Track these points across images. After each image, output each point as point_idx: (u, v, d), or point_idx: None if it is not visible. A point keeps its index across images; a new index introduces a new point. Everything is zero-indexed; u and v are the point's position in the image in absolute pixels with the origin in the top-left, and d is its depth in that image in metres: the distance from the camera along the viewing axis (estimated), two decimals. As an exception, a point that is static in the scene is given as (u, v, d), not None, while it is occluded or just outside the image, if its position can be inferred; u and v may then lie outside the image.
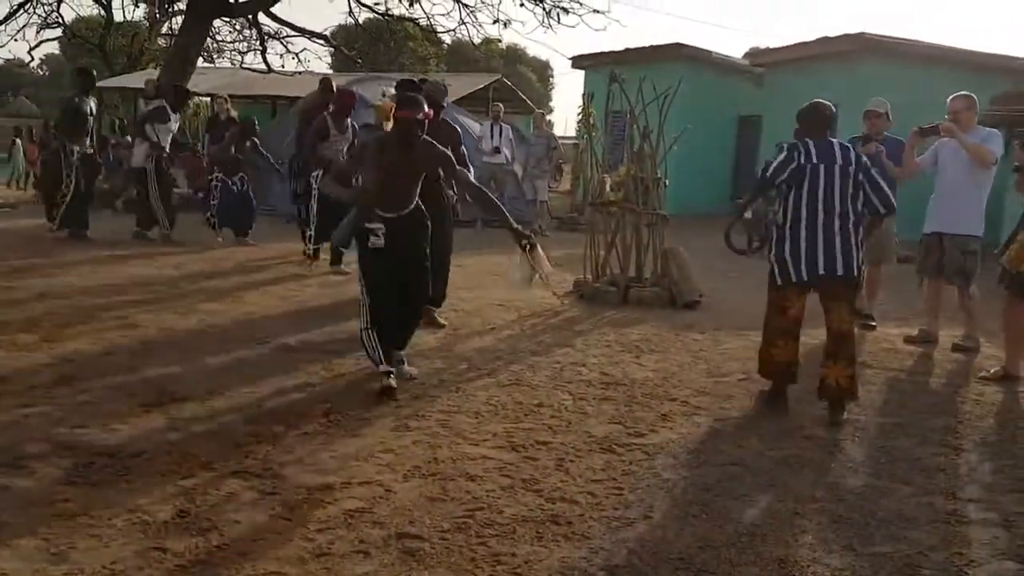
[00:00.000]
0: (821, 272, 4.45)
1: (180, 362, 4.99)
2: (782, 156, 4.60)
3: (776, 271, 4.60)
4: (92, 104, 9.79)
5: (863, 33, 13.96)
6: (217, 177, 9.87)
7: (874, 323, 6.97)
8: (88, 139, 9.77)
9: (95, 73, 10.49)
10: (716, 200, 17.25)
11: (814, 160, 4.48)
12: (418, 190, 4.75)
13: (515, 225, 4.71)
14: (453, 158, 4.81)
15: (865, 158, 4.70)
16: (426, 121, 4.61)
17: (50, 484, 3.27)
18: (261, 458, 3.63)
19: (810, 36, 20.68)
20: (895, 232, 7.31)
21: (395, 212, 4.64)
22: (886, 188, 4.63)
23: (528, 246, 4.63)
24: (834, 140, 4.65)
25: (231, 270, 8.34)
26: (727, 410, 4.64)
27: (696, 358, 5.72)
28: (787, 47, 16.84)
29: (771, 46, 23.96)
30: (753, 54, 22.14)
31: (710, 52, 17.66)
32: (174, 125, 10.05)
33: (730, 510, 3.35)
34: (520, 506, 3.30)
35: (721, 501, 3.43)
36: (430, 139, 4.68)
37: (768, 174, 4.63)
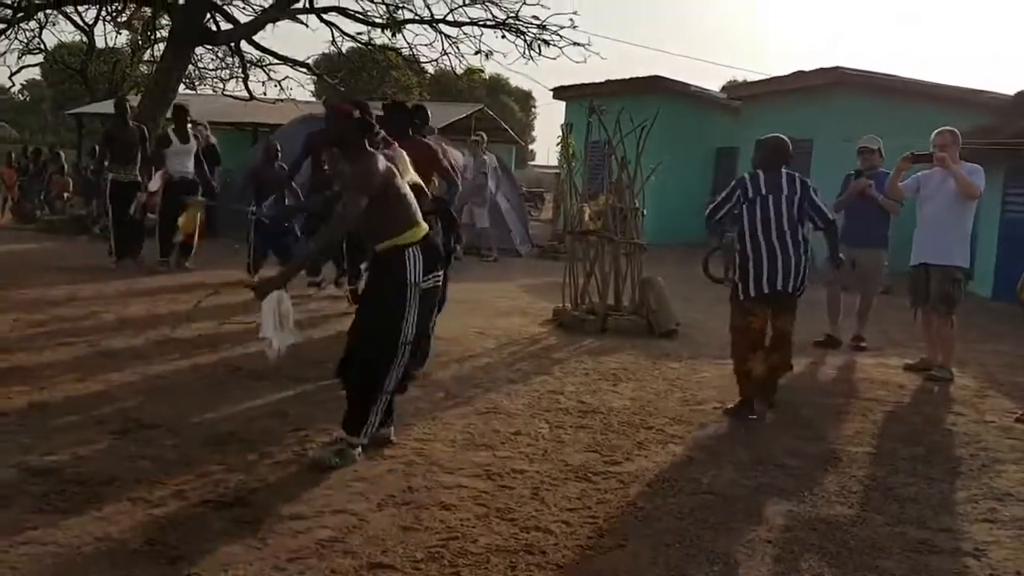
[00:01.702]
0: (778, 288, 5.04)
1: (151, 389, 4.95)
2: (723, 195, 5.27)
3: (740, 288, 5.13)
4: (133, 132, 9.79)
5: (838, 67, 14.20)
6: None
7: (865, 343, 7.15)
8: (129, 167, 9.74)
9: (128, 101, 10.37)
10: (694, 230, 17.31)
11: (763, 192, 5.13)
12: (375, 225, 3.99)
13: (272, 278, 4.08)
14: (352, 182, 3.91)
15: (811, 184, 5.29)
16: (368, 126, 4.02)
17: (19, 512, 3.22)
18: (232, 486, 3.60)
19: (786, 71, 21.02)
20: (886, 264, 7.45)
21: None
22: (825, 208, 5.31)
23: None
24: (784, 172, 5.23)
25: (195, 294, 8.27)
26: (702, 438, 4.66)
27: (672, 386, 5.75)
28: (764, 81, 17.11)
29: (748, 80, 24.32)
30: (730, 88, 22.50)
31: (688, 85, 17.91)
32: (181, 147, 9.68)
33: (704, 539, 3.35)
34: (494, 535, 3.29)
35: (695, 530, 3.43)
36: (369, 154, 3.98)
37: (707, 213, 5.35)
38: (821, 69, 14.54)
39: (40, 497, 3.35)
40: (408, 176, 4.32)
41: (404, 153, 4.80)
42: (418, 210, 4.07)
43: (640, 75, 17.43)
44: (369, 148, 3.99)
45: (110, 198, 9.72)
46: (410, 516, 3.41)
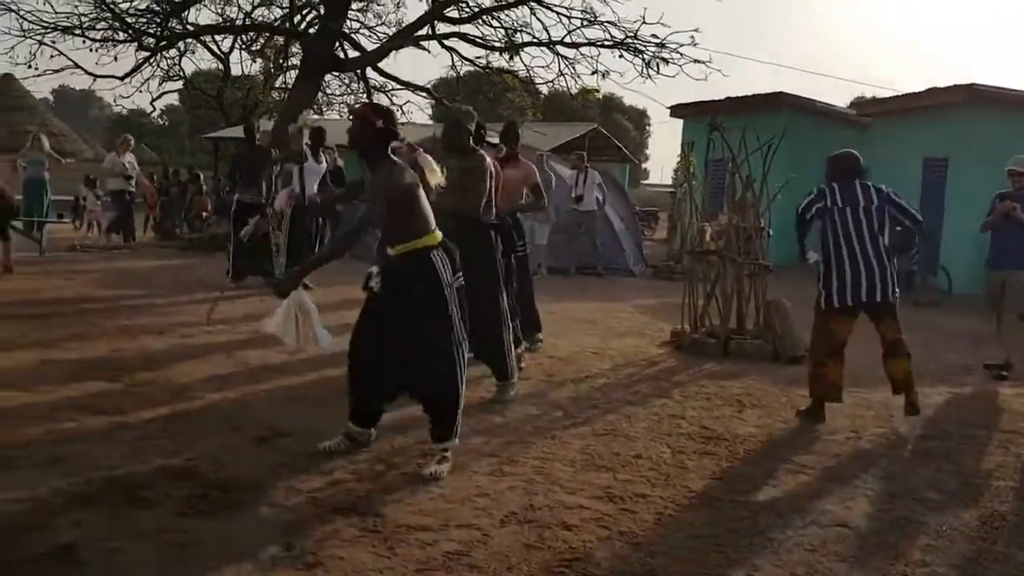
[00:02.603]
0: (863, 299, 5.18)
1: (286, 399, 5.16)
2: (811, 195, 5.40)
3: (823, 298, 5.29)
4: (259, 155, 10.13)
5: (973, 84, 13.52)
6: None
7: (1007, 373, 6.76)
8: (255, 189, 10.03)
9: (257, 125, 10.81)
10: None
11: (839, 204, 5.28)
12: (396, 228, 4.06)
13: (288, 279, 4.29)
14: (378, 192, 4.01)
15: (890, 191, 5.36)
16: (390, 135, 4.06)
17: (164, 515, 3.40)
18: (363, 496, 3.70)
19: (918, 86, 20.21)
20: None
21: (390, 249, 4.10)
22: (911, 209, 5.42)
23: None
24: (857, 183, 5.35)
25: (328, 306, 8.56)
26: (834, 469, 4.48)
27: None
28: (894, 97, 16.46)
29: (877, 96, 23.44)
30: (859, 104, 21.71)
31: (813, 101, 17.40)
32: (314, 167, 9.80)
33: (836, 572, 3.22)
34: (618, 559, 3.25)
35: (827, 563, 3.30)
36: (392, 164, 4.05)
37: (799, 211, 5.45)
38: (956, 85, 13.87)
39: (182, 500, 3.53)
40: (435, 180, 4.37)
41: (429, 157, 4.70)
42: (432, 219, 4.13)
43: (761, 91, 17.08)
44: (391, 157, 4.07)
45: (233, 219, 10.00)
46: (533, 534, 3.42)
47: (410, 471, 4.04)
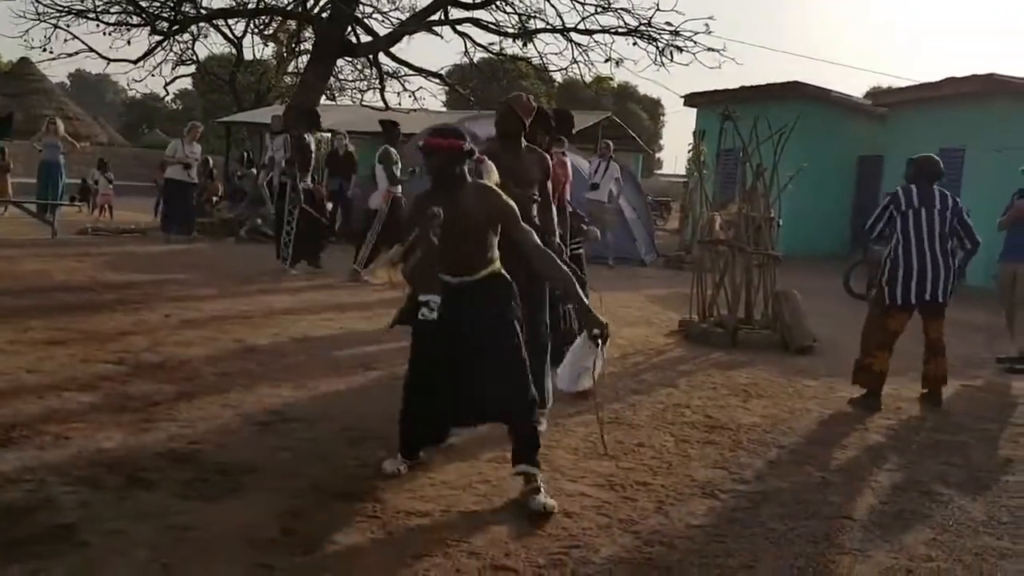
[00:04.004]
0: (926, 298, 5.37)
1: (293, 385, 5.16)
2: (878, 209, 5.59)
3: (887, 293, 5.44)
4: (314, 141, 10.34)
5: (992, 74, 13.36)
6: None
7: (1022, 367, 6.75)
8: (311, 175, 10.26)
9: (319, 113, 10.83)
10: (834, 242, 16.75)
11: (915, 204, 5.43)
12: (488, 251, 3.66)
13: (591, 310, 3.59)
14: (517, 210, 3.64)
15: (963, 207, 5.56)
16: (473, 155, 3.70)
17: (166, 497, 3.41)
18: (364, 482, 3.69)
19: (936, 76, 19.98)
20: None
21: (456, 276, 3.65)
22: (972, 228, 5.54)
23: (601, 338, 3.54)
24: (936, 188, 5.52)
25: (343, 297, 8.59)
26: (839, 460, 4.45)
27: (808, 405, 5.52)
28: (912, 87, 16.31)
29: (894, 86, 23.24)
30: (875, 94, 21.52)
31: (829, 91, 17.27)
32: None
33: (839, 565, 3.19)
34: (617, 547, 3.24)
35: (829, 555, 3.27)
36: (480, 185, 3.70)
37: (867, 227, 5.69)
38: (974, 75, 13.74)
39: (184, 483, 3.53)
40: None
41: (492, 164, 4.28)
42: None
43: (777, 80, 16.94)
44: (469, 176, 3.68)
45: (295, 205, 10.01)
46: (532, 521, 3.40)
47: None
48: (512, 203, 3.62)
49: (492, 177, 4.03)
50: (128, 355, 5.54)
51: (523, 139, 4.68)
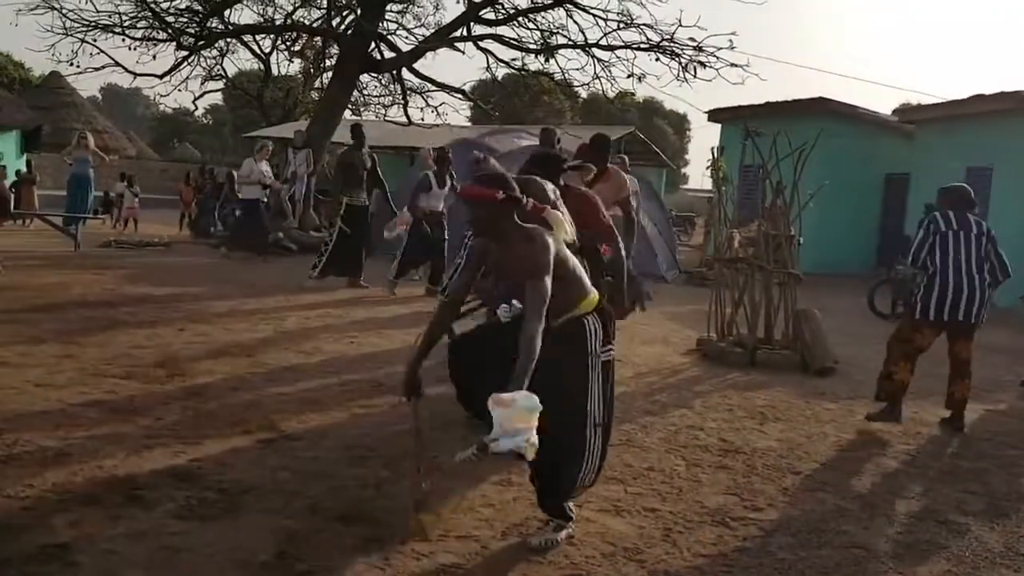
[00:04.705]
0: (960, 317, 5.37)
1: (300, 402, 5.11)
2: (920, 235, 5.56)
3: (919, 309, 5.46)
4: (365, 158, 10.14)
5: (1021, 91, 13.13)
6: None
7: None
8: (360, 191, 10.13)
9: (363, 128, 10.50)
10: (858, 261, 16.51)
11: (955, 227, 5.47)
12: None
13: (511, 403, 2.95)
14: (539, 264, 3.23)
15: (995, 235, 5.56)
16: (518, 201, 3.38)
17: (162, 516, 3.36)
18: (364, 503, 3.62)
19: (964, 93, 19.70)
20: None
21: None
22: (1006, 260, 5.57)
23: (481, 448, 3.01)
24: (971, 216, 5.55)
25: (358, 313, 8.55)
26: (856, 487, 4.31)
27: (826, 429, 5.38)
28: (939, 104, 16.08)
29: (922, 103, 22.98)
30: (903, 111, 21.28)
31: (855, 107, 17.08)
32: (439, 193, 9.73)
33: (851, 599, 3.07)
34: (620, 576, 3.14)
35: (841, 588, 3.16)
36: (529, 232, 3.35)
37: (912, 255, 5.59)
38: (1002, 92, 13.51)
39: (182, 503, 3.49)
40: (565, 236, 3.76)
41: (560, 211, 4.05)
42: (586, 278, 3.53)
43: (803, 96, 16.78)
44: (525, 225, 3.40)
45: (342, 221, 9.95)
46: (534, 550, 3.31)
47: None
48: (540, 255, 3.26)
49: (558, 224, 3.73)
50: (137, 370, 5.53)
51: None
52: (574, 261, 3.51)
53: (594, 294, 3.48)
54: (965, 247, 5.42)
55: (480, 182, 3.45)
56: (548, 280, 3.20)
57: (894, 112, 20.99)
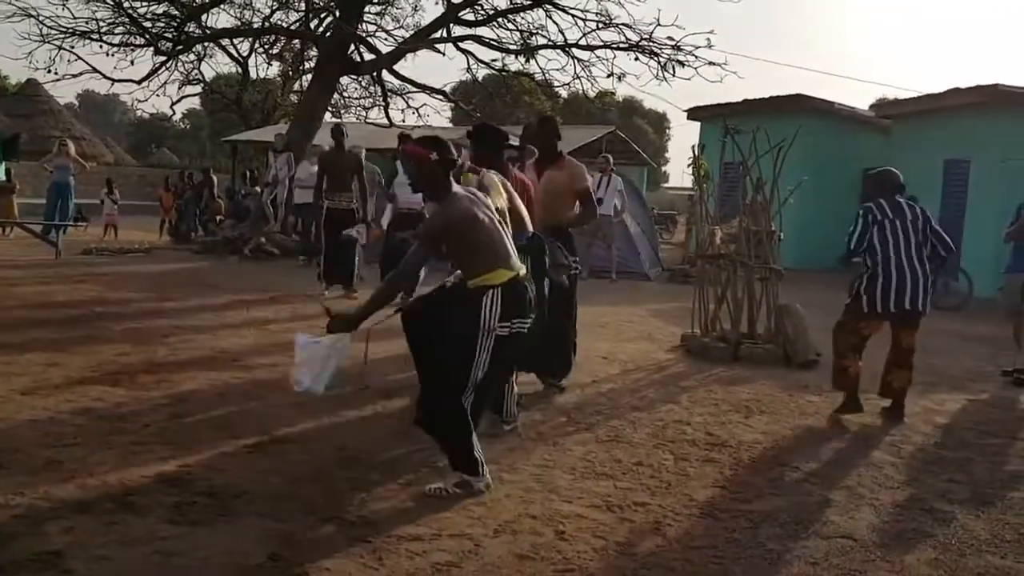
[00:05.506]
0: (907, 307, 5.34)
1: (288, 405, 5.11)
2: (859, 226, 5.48)
3: (865, 301, 5.42)
4: (348, 158, 9.60)
5: (997, 85, 13.30)
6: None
7: None
8: (343, 194, 9.55)
9: (343, 128, 10.06)
10: (839, 256, 16.65)
11: (890, 216, 5.44)
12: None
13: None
14: (431, 224, 3.84)
15: (929, 214, 5.56)
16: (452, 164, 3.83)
17: (154, 522, 3.36)
18: (356, 504, 3.64)
19: (939, 87, 19.97)
20: None
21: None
22: (946, 236, 5.55)
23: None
24: (902, 200, 5.52)
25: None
26: (841, 478, 4.37)
27: (809, 421, 5.45)
28: (916, 99, 16.26)
29: (898, 98, 23.21)
30: (879, 106, 21.49)
31: (832, 103, 17.23)
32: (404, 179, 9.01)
33: (839, 587, 3.12)
34: (612, 570, 3.18)
35: (829, 577, 3.21)
36: (452, 196, 3.77)
37: (852, 248, 5.53)
38: (978, 86, 13.68)
39: (172, 507, 3.49)
40: (500, 203, 4.07)
41: (495, 178, 4.45)
42: (508, 250, 3.81)
43: (781, 93, 16.93)
44: (454, 189, 3.78)
45: (324, 225, 9.65)
46: (526, 544, 3.35)
47: (406, 480, 3.97)
48: (432, 220, 3.80)
49: (496, 190, 4.04)
50: (124, 377, 5.50)
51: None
52: (495, 230, 3.78)
53: (508, 269, 3.75)
54: (903, 235, 5.39)
55: (419, 143, 3.84)
56: (433, 247, 3.75)
57: (871, 107, 21.18)
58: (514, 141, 5.59)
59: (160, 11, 16.03)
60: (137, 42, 16.05)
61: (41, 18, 15.29)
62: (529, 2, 16.08)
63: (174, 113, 32.45)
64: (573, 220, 5.76)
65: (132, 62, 16.66)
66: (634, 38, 15.09)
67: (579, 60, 15.80)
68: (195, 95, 29.06)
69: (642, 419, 5.25)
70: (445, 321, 3.78)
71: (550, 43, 15.96)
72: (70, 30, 15.33)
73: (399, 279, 4.07)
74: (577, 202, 5.73)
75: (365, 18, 17.53)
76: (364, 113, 22.54)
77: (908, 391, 5.62)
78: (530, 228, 4.77)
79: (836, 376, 5.60)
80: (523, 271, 3.90)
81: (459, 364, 3.71)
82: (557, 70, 17.23)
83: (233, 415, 4.86)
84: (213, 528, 3.33)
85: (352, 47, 16.73)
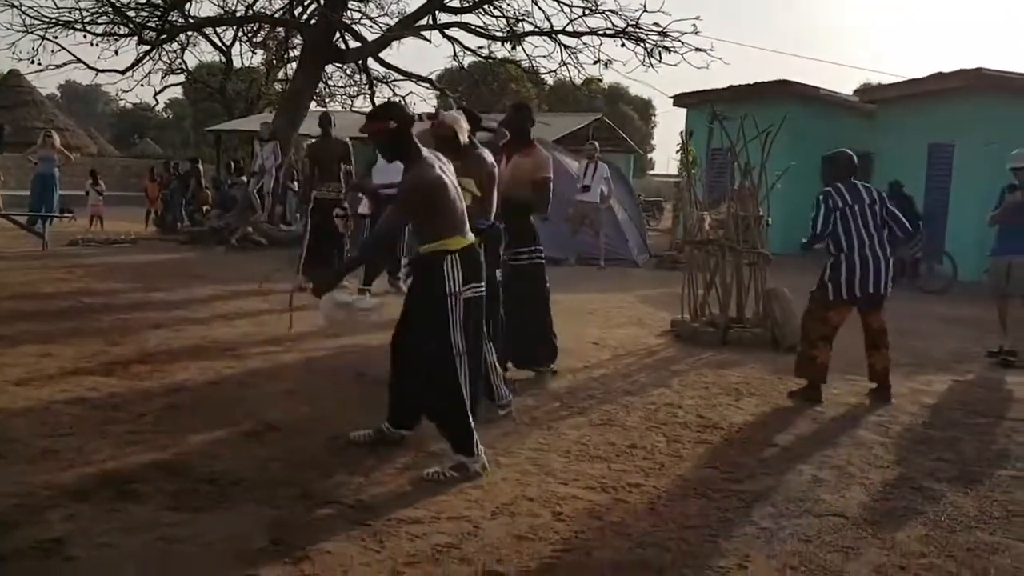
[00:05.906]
0: (870, 291, 5.44)
1: (282, 393, 5.14)
2: (822, 210, 5.51)
3: (831, 289, 5.49)
4: (336, 146, 9.37)
5: (980, 69, 13.40)
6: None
7: (1013, 359, 6.76)
8: (331, 184, 9.26)
9: (332, 116, 9.71)
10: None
11: (849, 202, 5.48)
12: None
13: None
14: (399, 197, 3.94)
15: (885, 195, 5.63)
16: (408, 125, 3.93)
17: (155, 509, 3.39)
18: (354, 489, 3.68)
19: (923, 72, 20.05)
20: None
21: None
22: (902, 217, 5.66)
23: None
24: (859, 184, 5.58)
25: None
26: (831, 457, 4.44)
27: (798, 403, 5.51)
28: (900, 83, 16.35)
29: (883, 83, 23.32)
30: (864, 90, 21.57)
31: (818, 89, 17.30)
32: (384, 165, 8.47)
33: (830, 563, 3.19)
34: (609, 550, 3.23)
35: (821, 553, 3.27)
36: (421, 161, 3.88)
37: (818, 232, 5.54)
38: (961, 70, 13.77)
39: (173, 494, 3.52)
40: (469, 182, 4.28)
41: (489, 160, 4.70)
42: (465, 219, 3.97)
43: (767, 79, 16.99)
44: (423, 155, 3.88)
45: (310, 215, 9.44)
46: (524, 525, 3.40)
47: (403, 464, 4.01)
48: (403, 185, 3.89)
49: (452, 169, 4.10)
50: (116, 366, 5.51)
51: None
52: (457, 199, 3.93)
53: (463, 237, 3.91)
54: (863, 219, 5.45)
55: (370, 117, 3.99)
56: (406, 213, 3.89)
57: (855, 92, 21.29)
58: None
59: (143, 0, 15.88)
60: (121, 31, 15.88)
61: (24, 7, 15.12)
62: (515, -12, 16.05)
63: (157, 103, 32.17)
64: (530, 199, 5.52)
65: (116, 52, 16.52)
66: (621, 24, 15.06)
67: (566, 47, 15.77)
68: (178, 84, 28.91)
69: (634, 403, 5.31)
70: (414, 303, 4.01)
71: (536, 30, 15.91)
72: (53, 20, 15.15)
73: (374, 244, 4.33)
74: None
75: (350, 5, 17.41)
76: (350, 101, 22.45)
77: (894, 372, 5.69)
78: (492, 216, 4.78)
79: (802, 363, 5.61)
80: (474, 240, 4.04)
81: (439, 336, 3.84)
82: (544, 57, 17.21)
83: (228, 403, 4.88)
84: (214, 514, 3.36)
85: (337, 35, 16.63)
